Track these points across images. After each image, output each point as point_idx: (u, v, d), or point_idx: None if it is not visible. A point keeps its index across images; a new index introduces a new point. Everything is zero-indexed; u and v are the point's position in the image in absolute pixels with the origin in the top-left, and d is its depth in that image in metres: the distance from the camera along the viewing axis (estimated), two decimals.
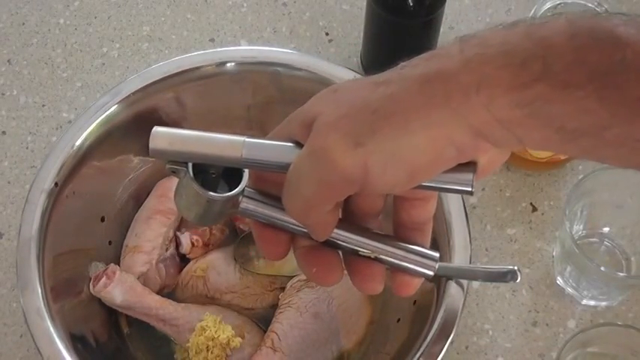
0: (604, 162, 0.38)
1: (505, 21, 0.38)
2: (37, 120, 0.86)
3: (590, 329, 0.68)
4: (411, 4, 0.77)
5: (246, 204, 0.43)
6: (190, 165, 0.42)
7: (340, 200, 0.40)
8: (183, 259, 0.76)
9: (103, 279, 0.69)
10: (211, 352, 0.68)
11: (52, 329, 0.63)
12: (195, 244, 0.75)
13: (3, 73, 0.88)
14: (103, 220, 0.75)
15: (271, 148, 0.41)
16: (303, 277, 0.72)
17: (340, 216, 0.43)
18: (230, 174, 0.43)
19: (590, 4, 0.76)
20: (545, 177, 0.82)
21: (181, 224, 0.77)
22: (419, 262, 0.44)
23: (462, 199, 0.68)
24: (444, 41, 0.84)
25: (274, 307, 0.72)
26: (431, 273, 0.44)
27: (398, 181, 0.38)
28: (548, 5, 0.77)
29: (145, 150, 0.76)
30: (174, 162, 0.42)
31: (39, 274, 0.65)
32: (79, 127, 0.71)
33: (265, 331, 0.70)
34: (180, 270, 0.75)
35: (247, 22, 0.91)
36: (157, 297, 0.71)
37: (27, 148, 0.84)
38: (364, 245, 0.43)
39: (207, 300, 0.73)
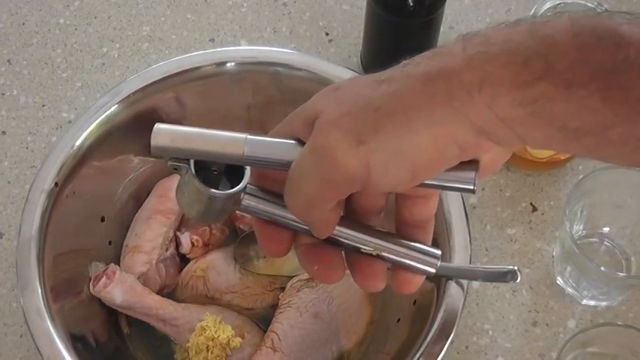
0: (606, 161, 0.38)
1: (505, 21, 0.38)
2: (37, 120, 0.86)
3: (590, 329, 0.68)
4: (411, 4, 0.77)
5: (247, 201, 0.43)
6: (192, 162, 0.42)
7: (342, 198, 0.40)
8: (183, 259, 0.76)
9: (103, 279, 0.69)
10: (211, 352, 0.68)
11: (52, 329, 0.63)
12: (195, 244, 0.75)
13: (3, 73, 0.88)
14: (103, 220, 0.75)
15: (273, 145, 0.41)
16: (303, 277, 0.72)
17: (342, 213, 0.43)
18: (232, 171, 0.43)
19: (590, 4, 0.76)
20: (545, 177, 0.82)
21: (181, 224, 0.77)
22: (421, 259, 0.44)
23: (462, 199, 0.68)
24: (444, 41, 0.84)
25: (274, 307, 0.72)
26: (433, 270, 0.44)
27: (400, 179, 0.38)
28: (548, 5, 0.77)
29: (145, 150, 0.76)
30: (176, 159, 0.42)
31: (39, 274, 0.65)
32: (79, 127, 0.71)
33: (265, 331, 0.70)
34: (180, 270, 0.75)
35: (247, 22, 0.91)
36: (157, 297, 0.71)
37: (27, 148, 0.84)
38: (366, 243, 0.43)
39: (207, 300, 0.73)
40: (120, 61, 0.89)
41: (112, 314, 0.73)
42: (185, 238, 0.75)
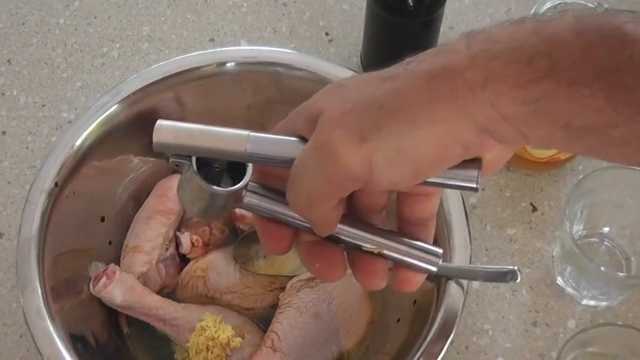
0: (609, 160, 0.38)
1: (509, 19, 0.37)
2: (37, 120, 0.86)
3: (590, 329, 0.68)
4: (411, 4, 0.77)
5: (249, 198, 0.43)
6: (194, 159, 0.42)
7: (344, 196, 0.40)
8: (183, 259, 0.76)
9: (103, 279, 0.69)
10: (211, 352, 0.68)
11: (52, 329, 0.63)
12: (195, 244, 0.75)
13: (3, 73, 0.88)
14: (103, 220, 0.75)
15: (275, 142, 0.41)
16: (303, 277, 0.72)
17: (344, 211, 0.43)
18: (234, 168, 0.43)
19: (590, 4, 0.76)
20: (545, 177, 0.82)
21: (181, 224, 0.77)
22: (422, 257, 0.44)
23: (462, 199, 0.68)
24: (444, 41, 0.84)
25: (274, 307, 0.72)
26: (434, 269, 0.44)
27: (403, 177, 0.38)
28: (548, 5, 0.77)
29: (145, 150, 0.77)
30: (178, 156, 0.42)
31: (39, 274, 0.65)
32: (79, 127, 0.71)
33: (265, 331, 0.70)
34: (180, 270, 0.75)
35: (247, 22, 0.91)
36: (157, 297, 0.71)
37: (27, 148, 0.84)
38: (367, 240, 0.43)
39: (207, 300, 0.73)
40: (120, 61, 0.89)
41: (112, 314, 0.73)
42: (185, 238, 0.75)
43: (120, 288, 0.69)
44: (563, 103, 0.35)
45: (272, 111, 0.76)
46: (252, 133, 0.41)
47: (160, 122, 0.41)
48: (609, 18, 0.35)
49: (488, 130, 0.37)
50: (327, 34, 0.91)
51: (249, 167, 0.43)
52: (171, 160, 0.42)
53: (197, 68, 0.74)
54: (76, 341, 0.65)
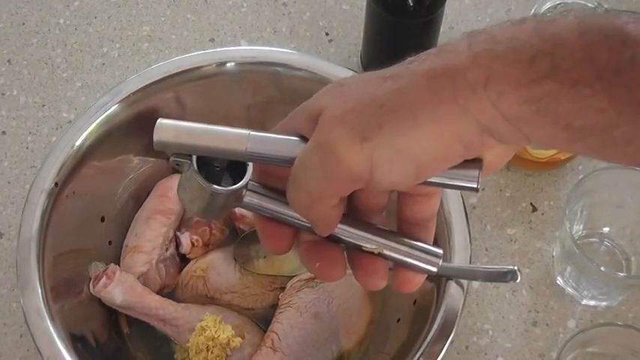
0: (610, 161, 0.38)
1: (511, 19, 0.38)
2: (37, 120, 0.86)
3: (590, 329, 0.68)
4: (411, 4, 0.77)
5: (249, 198, 0.43)
6: (194, 158, 0.42)
7: (345, 195, 0.40)
8: (183, 259, 0.76)
9: (103, 279, 0.69)
10: (211, 352, 0.68)
11: (52, 329, 0.63)
12: (195, 244, 0.75)
13: (3, 73, 0.88)
14: (103, 220, 0.75)
15: (276, 141, 0.41)
16: (303, 277, 0.72)
17: (344, 211, 0.43)
18: (234, 167, 0.43)
19: (590, 4, 0.76)
20: (545, 177, 0.82)
21: (181, 224, 0.77)
22: (422, 258, 0.44)
23: (462, 199, 0.68)
24: (444, 41, 0.84)
25: (274, 307, 0.72)
26: (434, 269, 0.44)
27: (404, 176, 0.38)
28: (548, 5, 0.77)
29: (145, 150, 0.77)
30: (179, 154, 0.42)
31: (39, 274, 0.65)
32: (79, 127, 0.71)
33: (265, 331, 0.70)
34: (180, 270, 0.75)
35: (247, 22, 0.91)
36: (157, 297, 0.71)
37: (27, 148, 0.84)
38: (368, 240, 0.43)
39: (207, 300, 0.73)
40: (120, 61, 0.89)
41: (112, 314, 0.73)
42: (185, 238, 0.75)
43: (120, 288, 0.69)
44: (564, 104, 0.35)
45: (272, 111, 0.76)
46: (252, 132, 0.41)
47: (160, 121, 0.42)
48: (611, 18, 0.35)
49: (490, 130, 0.37)
50: (327, 34, 0.91)
51: (250, 166, 0.43)
52: (171, 159, 0.42)
53: (197, 68, 0.74)
54: (76, 341, 0.65)
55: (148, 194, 0.77)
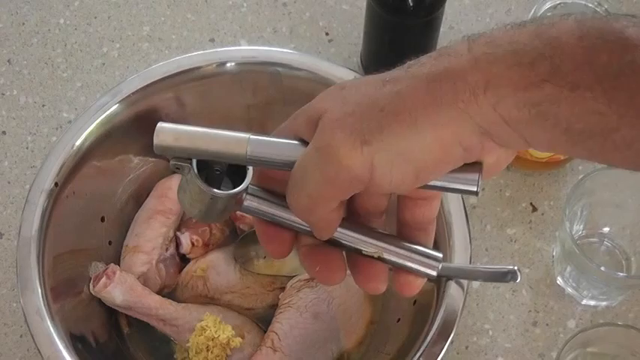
0: (610, 164, 0.38)
1: (505, 21, 0.38)
2: (37, 120, 0.86)
3: (590, 329, 0.68)
4: (411, 4, 0.77)
5: (249, 201, 0.43)
6: (195, 161, 0.42)
7: (345, 199, 0.40)
8: (183, 259, 0.76)
9: (103, 279, 0.69)
10: (211, 352, 0.68)
11: (52, 329, 0.63)
12: (195, 244, 0.75)
13: (3, 73, 0.88)
14: (103, 220, 0.75)
15: (276, 145, 0.41)
16: (303, 277, 0.72)
17: (344, 215, 0.43)
18: (234, 171, 0.43)
19: (590, 4, 0.76)
20: (545, 177, 0.82)
21: (181, 224, 0.77)
22: (422, 262, 0.44)
23: (462, 199, 0.68)
24: (444, 41, 0.84)
25: (274, 307, 0.72)
26: (434, 273, 0.44)
27: (404, 180, 0.38)
28: (548, 5, 0.77)
29: (145, 150, 0.77)
30: (179, 158, 0.42)
31: (39, 274, 0.65)
32: (79, 127, 0.71)
33: (265, 331, 0.70)
34: (180, 270, 0.75)
35: (247, 22, 0.91)
36: (157, 297, 0.71)
37: (27, 148, 0.84)
38: (367, 244, 0.43)
39: (207, 300, 0.73)
40: (120, 61, 0.89)
41: (112, 314, 0.73)
42: (185, 238, 0.75)
43: (120, 288, 0.69)
44: (564, 107, 0.35)
45: (272, 111, 0.76)
46: (252, 136, 0.41)
47: (160, 125, 0.42)
48: (611, 22, 0.35)
49: (489, 134, 0.37)
50: (327, 34, 0.91)
51: (250, 170, 0.43)
52: (171, 162, 0.42)
53: (197, 68, 0.74)
54: (76, 341, 0.65)
55: (148, 194, 0.77)
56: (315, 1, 0.92)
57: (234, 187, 0.42)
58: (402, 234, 0.44)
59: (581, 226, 0.77)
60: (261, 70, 0.75)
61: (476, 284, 0.76)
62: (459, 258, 0.65)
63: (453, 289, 0.64)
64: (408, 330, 0.68)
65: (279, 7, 0.92)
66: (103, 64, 0.89)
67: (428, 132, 0.37)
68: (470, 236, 0.67)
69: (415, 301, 0.69)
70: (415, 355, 0.62)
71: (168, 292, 0.75)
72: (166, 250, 0.74)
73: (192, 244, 0.75)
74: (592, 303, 0.75)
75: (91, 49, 0.90)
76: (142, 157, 0.76)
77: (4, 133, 0.85)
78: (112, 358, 0.72)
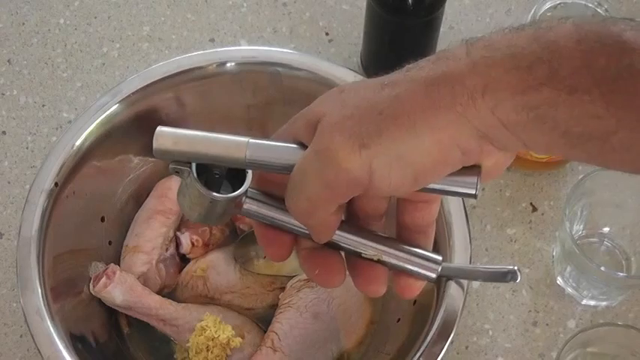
0: (608, 167, 0.38)
1: (505, 21, 0.38)
2: (37, 120, 0.86)
3: (590, 329, 0.68)
4: (411, 4, 0.77)
5: (249, 205, 0.43)
6: (194, 165, 0.42)
7: (344, 202, 0.40)
8: (184, 259, 0.76)
9: (103, 279, 0.69)
10: (211, 352, 0.68)
11: (52, 329, 0.63)
12: (195, 244, 0.75)
13: (3, 73, 0.88)
14: (103, 220, 0.75)
15: (275, 149, 0.41)
16: (303, 277, 0.72)
17: (343, 218, 0.43)
18: (234, 174, 0.43)
19: (590, 4, 0.76)
20: (545, 177, 0.82)
21: (181, 224, 0.77)
22: (421, 264, 0.44)
23: (462, 199, 0.68)
24: (444, 41, 0.84)
25: (274, 307, 0.72)
26: (433, 276, 0.44)
27: (402, 183, 0.38)
28: (548, 5, 0.77)
29: (145, 150, 0.77)
30: (178, 162, 0.42)
31: (39, 274, 0.65)
32: (79, 127, 0.71)
33: (265, 331, 0.70)
34: (180, 270, 0.75)
35: (247, 22, 0.91)
36: (157, 297, 0.71)
37: (27, 148, 0.84)
38: (367, 247, 0.43)
39: (207, 300, 0.73)
40: (120, 61, 0.89)
41: (112, 314, 0.73)
42: (185, 238, 0.75)
43: (120, 288, 0.69)
44: (562, 110, 0.35)
45: (272, 111, 0.76)
46: (251, 140, 0.41)
47: (160, 128, 0.42)
48: (609, 25, 0.35)
49: (488, 137, 0.37)
50: (327, 34, 0.91)
51: (249, 174, 0.43)
52: (171, 166, 0.42)
53: (197, 68, 0.74)
54: (76, 341, 0.65)
55: (148, 194, 0.77)
56: (315, 1, 0.92)
57: (234, 191, 0.42)
58: (402, 237, 0.44)
59: (581, 226, 0.77)
60: (261, 70, 0.75)
61: (476, 284, 0.76)
62: (459, 258, 0.66)
63: (453, 289, 0.64)
64: (408, 330, 0.68)
65: (279, 7, 0.92)
66: (103, 64, 0.89)
67: (426, 135, 0.37)
68: (470, 236, 0.67)
69: (415, 301, 0.69)
70: (415, 355, 0.62)
71: (168, 292, 0.75)
72: (166, 250, 0.74)
73: (192, 244, 0.75)
74: (592, 303, 0.75)
75: (91, 49, 0.90)
76: (142, 157, 0.76)
77: (4, 133, 0.85)
78: (112, 358, 0.72)
